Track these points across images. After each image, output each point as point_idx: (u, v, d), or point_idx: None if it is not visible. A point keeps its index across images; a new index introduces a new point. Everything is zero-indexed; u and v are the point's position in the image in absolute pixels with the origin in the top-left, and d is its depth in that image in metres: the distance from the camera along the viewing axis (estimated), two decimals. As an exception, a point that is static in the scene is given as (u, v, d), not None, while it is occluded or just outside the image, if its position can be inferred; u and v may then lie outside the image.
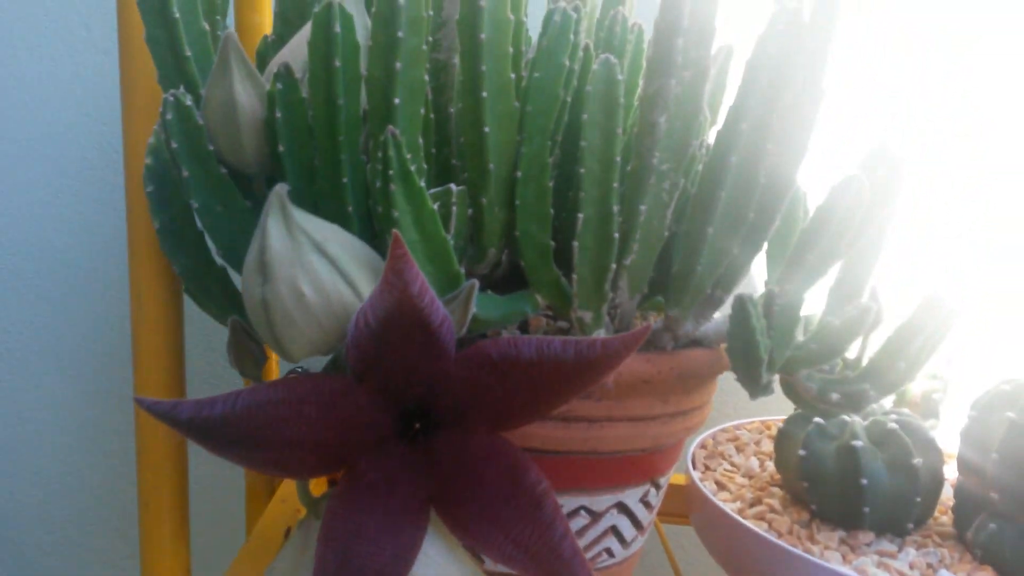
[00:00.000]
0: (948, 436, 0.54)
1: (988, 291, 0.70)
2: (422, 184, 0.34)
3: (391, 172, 0.33)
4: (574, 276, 0.40)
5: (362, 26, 0.40)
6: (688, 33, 0.37)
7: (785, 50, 0.37)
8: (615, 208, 0.39)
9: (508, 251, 0.44)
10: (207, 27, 0.47)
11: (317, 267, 0.34)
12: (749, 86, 0.38)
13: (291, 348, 0.35)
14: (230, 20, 0.63)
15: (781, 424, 0.51)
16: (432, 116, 0.41)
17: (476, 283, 0.35)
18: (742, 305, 0.37)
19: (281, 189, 0.35)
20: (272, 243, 0.34)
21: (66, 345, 0.80)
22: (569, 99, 0.42)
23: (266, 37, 0.49)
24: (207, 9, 0.46)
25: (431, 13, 0.40)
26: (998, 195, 0.72)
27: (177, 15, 0.37)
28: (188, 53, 0.38)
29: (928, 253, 0.78)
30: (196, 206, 0.37)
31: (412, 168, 0.33)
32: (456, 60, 0.43)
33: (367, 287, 0.35)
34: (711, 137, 0.49)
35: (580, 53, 0.41)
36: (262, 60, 0.50)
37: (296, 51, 0.38)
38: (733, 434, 0.61)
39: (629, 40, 0.45)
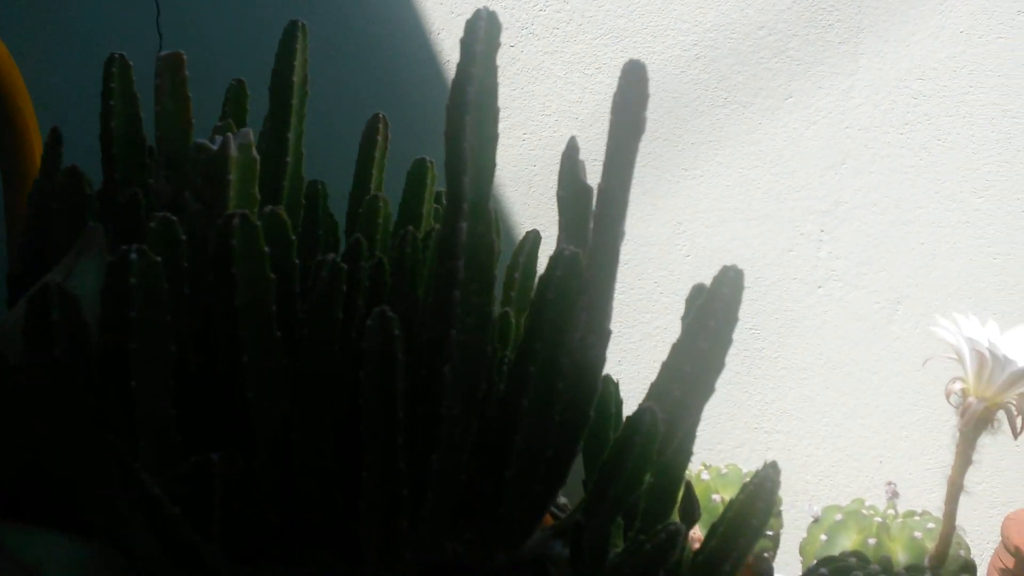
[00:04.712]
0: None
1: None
2: (177, 512, 0.29)
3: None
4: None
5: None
6: (466, 284, 0.35)
7: (565, 292, 0.36)
8: (402, 465, 0.36)
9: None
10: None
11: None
12: (533, 329, 0.37)
13: None
14: None
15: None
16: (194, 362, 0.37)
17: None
18: None
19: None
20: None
21: None
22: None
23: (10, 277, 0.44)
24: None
25: (186, 264, 0.35)
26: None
27: None
28: None
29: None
30: None
31: (156, 492, 0.28)
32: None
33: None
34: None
35: (361, 302, 0.38)
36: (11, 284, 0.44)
37: (14, 326, 0.33)
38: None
39: (421, 259, 0.43)
